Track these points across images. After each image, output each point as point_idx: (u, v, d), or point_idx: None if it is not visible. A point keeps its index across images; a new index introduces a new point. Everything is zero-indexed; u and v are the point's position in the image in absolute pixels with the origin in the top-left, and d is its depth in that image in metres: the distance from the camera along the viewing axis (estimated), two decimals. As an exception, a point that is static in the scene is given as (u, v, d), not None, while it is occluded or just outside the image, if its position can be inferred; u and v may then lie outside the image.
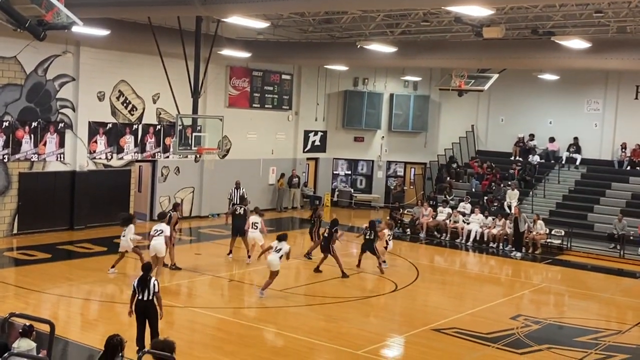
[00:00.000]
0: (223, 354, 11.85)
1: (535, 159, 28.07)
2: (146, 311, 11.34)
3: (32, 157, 20.92)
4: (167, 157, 24.76)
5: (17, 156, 20.53)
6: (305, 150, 30.84)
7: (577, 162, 27.49)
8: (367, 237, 18.59)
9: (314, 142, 31.23)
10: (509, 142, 29.34)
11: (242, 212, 19.15)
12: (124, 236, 16.50)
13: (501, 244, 23.44)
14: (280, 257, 15.30)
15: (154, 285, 11.31)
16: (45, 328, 8.26)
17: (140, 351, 10.95)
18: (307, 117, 30.57)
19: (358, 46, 21.57)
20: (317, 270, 18.07)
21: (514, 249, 22.67)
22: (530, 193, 26.27)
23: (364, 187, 32.26)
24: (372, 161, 32.07)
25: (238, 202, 20.37)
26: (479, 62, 22.34)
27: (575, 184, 26.68)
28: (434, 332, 13.77)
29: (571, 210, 24.92)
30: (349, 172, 32.47)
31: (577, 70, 24.54)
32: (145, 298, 11.31)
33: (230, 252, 19.21)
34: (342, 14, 22.07)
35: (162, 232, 15.99)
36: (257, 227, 18.41)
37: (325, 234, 18.35)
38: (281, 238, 15.52)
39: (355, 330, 13.64)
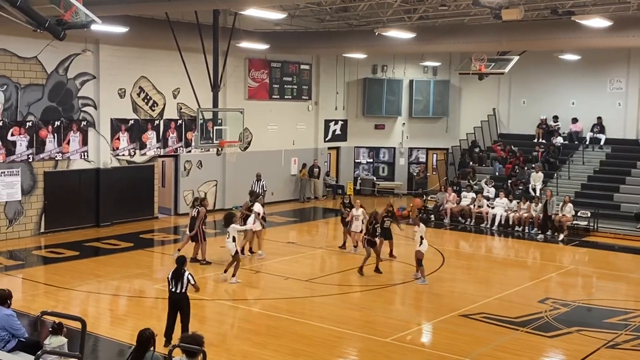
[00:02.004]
0: (253, 346, 11.92)
1: (558, 140, 27.79)
2: (179, 303, 11.50)
3: (56, 156, 21.13)
4: (189, 151, 24.88)
5: (41, 156, 20.75)
6: (326, 139, 30.81)
7: (602, 142, 27.17)
8: (385, 226, 18.15)
9: (334, 131, 31.18)
10: (531, 125, 29.06)
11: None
12: (228, 238, 15.83)
13: (527, 227, 23.28)
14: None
15: (188, 278, 11.45)
16: (77, 325, 8.35)
17: (168, 344, 11.12)
18: (327, 107, 30.52)
19: (376, 33, 21.45)
20: (377, 270, 17.20)
21: (540, 231, 22.48)
22: (555, 175, 26.03)
23: (387, 174, 32.17)
24: (394, 148, 31.96)
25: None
26: (499, 44, 22.12)
27: (600, 164, 26.38)
28: (461, 317, 13.74)
29: (597, 191, 24.65)
30: (371, 160, 32.39)
31: (599, 49, 24.18)
32: (178, 290, 11.46)
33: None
34: (359, 1, 21.98)
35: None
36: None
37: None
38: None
39: (382, 318, 13.65)
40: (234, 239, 15.76)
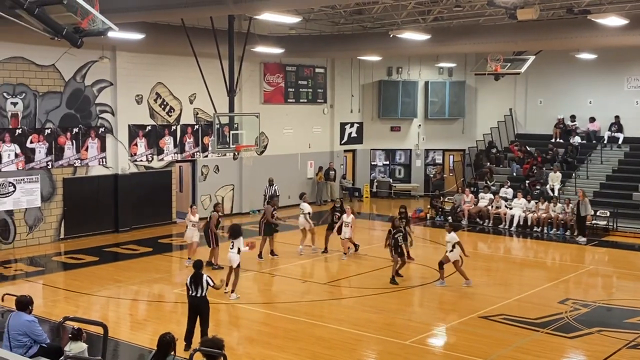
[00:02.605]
0: (272, 349, 11.94)
1: (576, 140, 27.60)
2: (199, 308, 11.56)
3: (75, 163, 21.31)
4: (206, 156, 24.99)
5: (60, 162, 20.93)
6: (342, 142, 30.82)
7: (620, 141, 26.94)
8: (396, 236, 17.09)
9: (350, 134, 31.19)
10: (548, 125, 28.90)
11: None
12: (232, 248, 14.84)
13: (545, 228, 23.14)
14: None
15: (207, 281, 11.51)
16: (98, 330, 8.42)
17: (188, 348, 11.18)
18: (343, 109, 30.54)
19: (391, 35, 21.45)
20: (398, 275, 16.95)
21: (578, 234, 22.18)
22: (573, 175, 25.85)
23: (403, 176, 32.11)
24: (410, 150, 31.90)
25: (268, 201, 20.56)
26: (515, 44, 22.04)
27: (618, 163, 26.17)
28: (481, 319, 13.68)
29: (615, 190, 24.45)
30: (387, 163, 32.35)
31: (615, 47, 24.02)
32: (198, 294, 11.53)
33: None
34: (373, 4, 21.99)
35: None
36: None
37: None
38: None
39: (401, 320, 13.63)
40: (238, 251, 14.76)
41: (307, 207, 19.58)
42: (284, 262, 18.59)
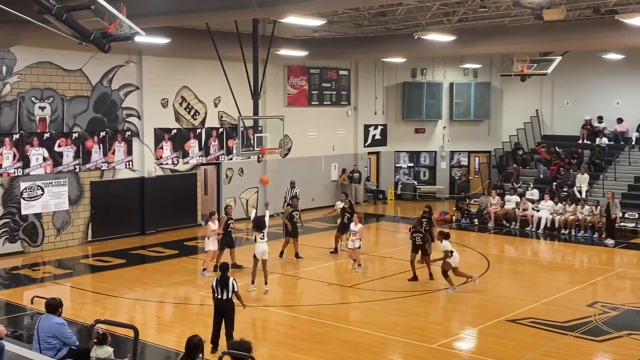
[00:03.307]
0: (298, 352, 11.94)
1: (603, 141, 27.27)
2: (225, 310, 11.61)
3: (102, 166, 21.51)
4: (231, 159, 25.09)
5: (87, 166, 21.14)
6: (366, 144, 30.76)
7: (648, 142, 26.60)
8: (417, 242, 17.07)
9: (374, 136, 31.12)
10: (575, 126, 28.60)
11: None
12: (262, 238, 15.39)
13: (572, 230, 22.89)
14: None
15: (233, 284, 11.56)
16: (126, 332, 8.47)
17: (215, 350, 11.23)
18: (366, 112, 30.48)
19: (415, 37, 21.36)
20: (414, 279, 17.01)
21: (603, 236, 21.88)
22: (601, 176, 25.53)
23: (428, 178, 31.96)
24: (435, 152, 31.75)
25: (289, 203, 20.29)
26: (541, 45, 21.83)
27: (647, 164, 25.83)
28: (508, 322, 13.56)
29: (644, 192, 24.12)
30: (412, 164, 32.23)
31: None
32: (224, 297, 11.58)
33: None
34: (397, 6, 21.91)
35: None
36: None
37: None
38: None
39: (427, 323, 13.56)
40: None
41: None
42: (308, 264, 18.57)
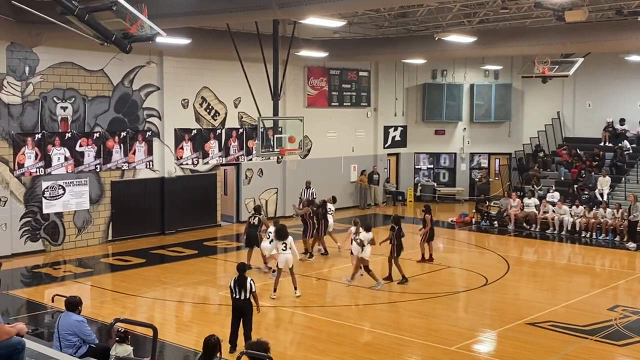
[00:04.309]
0: (316, 353, 11.94)
1: (625, 144, 26.98)
2: (243, 310, 11.65)
3: (122, 166, 21.67)
4: (251, 159, 25.17)
5: (108, 165, 21.31)
6: (386, 146, 30.71)
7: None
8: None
9: (394, 137, 31.05)
10: (597, 128, 28.34)
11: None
12: (284, 250, 15.12)
13: (594, 233, 22.67)
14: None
15: (251, 284, 11.59)
16: (145, 331, 8.52)
17: (233, 350, 11.26)
18: (386, 113, 30.42)
19: (436, 38, 21.29)
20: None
21: (625, 239, 21.67)
22: (623, 179, 25.27)
23: (447, 180, 31.83)
24: (455, 154, 31.61)
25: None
26: (563, 47, 21.65)
27: (670, 167, 25.50)
28: (528, 325, 13.46)
29: (667, 196, 23.79)
30: (431, 166, 32.12)
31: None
32: (242, 297, 11.61)
33: (249, 266, 16.76)
34: (418, 7, 21.85)
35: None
36: (270, 236, 16.55)
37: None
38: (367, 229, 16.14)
39: (446, 326, 13.49)
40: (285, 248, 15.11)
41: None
42: (327, 265, 18.57)
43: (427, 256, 18.84)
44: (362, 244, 15.97)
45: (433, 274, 17.64)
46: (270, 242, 16.51)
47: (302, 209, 19.81)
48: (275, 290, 15.18)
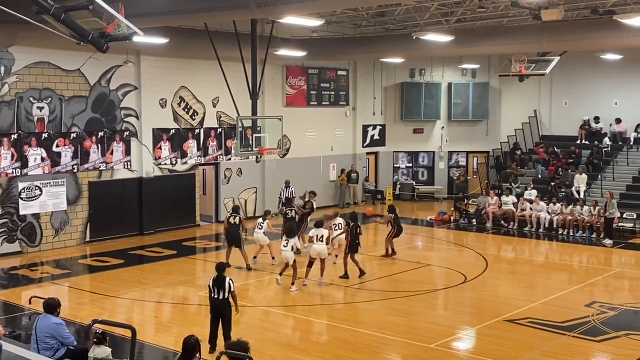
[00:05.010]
0: (296, 352, 11.94)
1: (606, 141, 27.27)
2: (221, 310, 11.59)
3: (100, 167, 21.50)
4: (230, 159, 25.09)
5: (86, 166, 21.13)
6: (365, 145, 30.78)
7: (647, 143, 26.63)
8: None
9: (373, 136, 31.13)
10: (574, 126, 28.64)
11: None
12: (285, 247, 15.90)
13: (571, 231, 22.90)
14: (327, 244, 16.25)
15: (229, 284, 11.54)
16: (124, 333, 8.47)
17: (213, 350, 11.23)
18: (365, 112, 30.50)
19: (414, 37, 21.38)
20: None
21: (602, 236, 21.90)
22: (599, 177, 25.55)
23: (426, 179, 31.98)
24: (433, 152, 31.76)
25: (284, 203, 20.84)
26: (539, 46, 21.84)
27: (645, 165, 25.85)
28: (507, 323, 13.57)
29: (643, 193, 24.14)
30: (410, 165, 32.24)
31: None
32: (220, 297, 11.57)
33: (229, 264, 16.88)
34: (396, 6, 21.93)
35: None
36: (262, 227, 17.91)
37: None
38: (317, 225, 16.31)
39: (426, 324, 13.56)
40: (292, 249, 15.96)
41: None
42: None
43: (389, 252, 19.12)
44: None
45: (412, 272, 17.72)
46: (264, 233, 17.81)
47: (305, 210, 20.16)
48: (307, 277, 16.17)
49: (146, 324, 13.62)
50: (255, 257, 18.27)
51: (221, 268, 11.90)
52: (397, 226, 19.22)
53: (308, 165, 27.63)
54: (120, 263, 18.79)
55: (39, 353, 8.71)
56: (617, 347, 12.27)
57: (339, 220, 18.29)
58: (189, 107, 23.90)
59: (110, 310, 14.46)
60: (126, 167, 22.24)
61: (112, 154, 21.78)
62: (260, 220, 18.26)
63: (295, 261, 15.95)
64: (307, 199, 20.60)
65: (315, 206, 20.67)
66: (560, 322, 13.47)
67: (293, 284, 15.75)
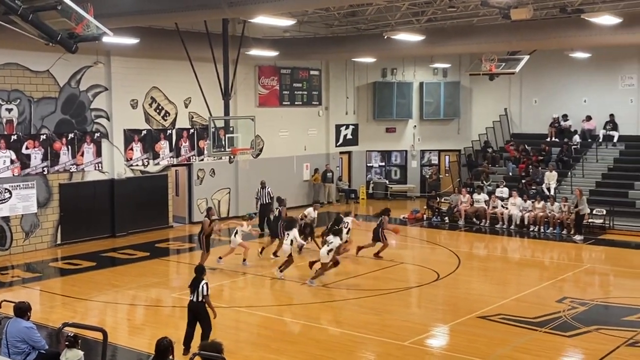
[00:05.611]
0: (271, 352, 11.93)
1: (575, 138, 27.65)
2: (196, 312, 11.53)
3: (70, 168, 21.27)
4: (202, 159, 24.98)
5: (56, 168, 20.89)
6: (338, 144, 30.84)
7: (615, 140, 27.02)
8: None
9: (346, 135, 31.20)
10: (544, 124, 28.98)
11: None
12: (286, 239, 17.01)
13: (542, 227, 23.18)
14: (329, 252, 16.17)
15: (203, 288, 11.45)
16: (97, 335, 8.40)
17: (187, 352, 11.17)
18: (338, 112, 30.56)
19: (385, 37, 21.47)
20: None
21: (572, 232, 22.22)
22: (569, 173, 25.90)
23: (399, 177, 32.15)
24: (406, 151, 31.94)
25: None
26: (509, 44, 22.07)
27: (614, 161, 26.24)
28: (479, 319, 13.69)
29: (611, 189, 24.51)
30: (383, 164, 32.38)
31: (609, 46, 24.07)
32: (194, 299, 11.51)
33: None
34: (367, 5, 21.99)
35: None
36: (240, 230, 18.03)
37: None
38: (335, 233, 16.60)
39: (399, 321, 13.63)
40: (291, 242, 16.73)
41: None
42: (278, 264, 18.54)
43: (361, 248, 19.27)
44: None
45: (386, 270, 17.79)
46: (234, 236, 17.86)
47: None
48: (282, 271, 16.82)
49: (119, 327, 13.52)
50: (220, 258, 18.22)
51: (197, 269, 11.84)
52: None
53: (281, 165, 27.61)
54: (92, 265, 18.60)
55: (10, 357, 8.62)
56: (588, 341, 12.45)
57: (349, 219, 18.82)
58: (160, 107, 23.74)
59: (82, 313, 14.32)
60: (97, 168, 22.02)
61: (82, 155, 21.55)
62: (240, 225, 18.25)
63: (290, 255, 16.73)
64: (304, 219, 19.87)
65: (313, 217, 20.32)
66: (531, 318, 13.63)
67: (281, 270, 16.69)
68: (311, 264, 17.06)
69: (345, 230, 17.97)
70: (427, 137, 31.68)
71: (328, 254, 16.15)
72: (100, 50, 21.05)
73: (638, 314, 13.95)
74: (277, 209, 20.09)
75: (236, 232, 17.94)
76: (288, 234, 16.84)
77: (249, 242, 18.75)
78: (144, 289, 16.28)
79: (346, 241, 18.19)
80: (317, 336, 12.80)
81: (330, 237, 16.45)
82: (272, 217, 21.01)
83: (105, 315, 14.40)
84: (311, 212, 20.28)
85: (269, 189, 22.35)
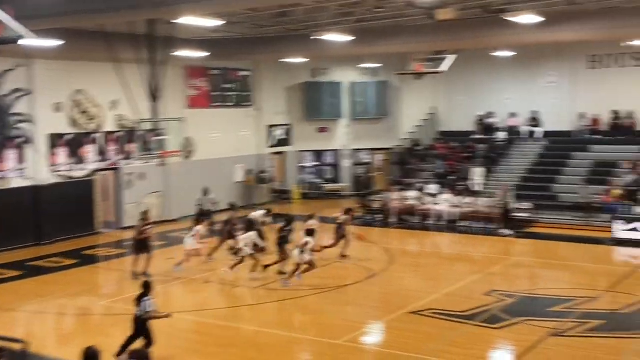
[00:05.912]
0: (205, 356, 11.83)
1: (498, 135, 28.36)
2: (135, 326, 11.23)
3: (-8, 175, 20.57)
4: (131, 163, 24.50)
5: (-23, 175, 20.17)
6: (270, 145, 30.78)
7: (538, 135, 27.86)
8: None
9: (278, 136, 31.17)
10: (470, 121, 29.64)
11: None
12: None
13: (471, 222, 23.66)
14: (303, 252, 16.26)
15: (147, 305, 11.16)
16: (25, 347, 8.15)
17: (120, 354, 10.93)
18: (269, 112, 30.49)
19: (312, 37, 21.52)
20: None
21: (499, 227, 22.79)
22: (495, 169, 26.55)
23: (332, 177, 32.32)
24: (338, 151, 32.13)
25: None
26: (435, 44, 22.43)
27: (537, 157, 27.04)
28: (411, 315, 13.89)
29: (536, 183, 25.27)
30: (316, 164, 32.49)
31: (531, 45, 24.79)
32: (137, 314, 11.22)
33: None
34: (295, 6, 21.98)
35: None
36: (193, 234, 18.12)
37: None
38: (308, 233, 16.66)
39: (333, 320, 13.71)
40: (249, 245, 16.86)
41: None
42: (214, 267, 18.38)
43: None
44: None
45: (320, 269, 17.80)
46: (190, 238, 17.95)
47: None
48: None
49: (47, 337, 13.15)
50: (179, 264, 17.91)
51: (144, 285, 11.53)
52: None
53: (213, 166, 27.34)
54: (17, 275, 18.01)
55: None
56: (516, 333, 12.80)
57: (313, 221, 18.54)
58: (85, 110, 23.17)
59: (8, 325, 13.82)
60: (20, 175, 21.33)
61: (4, 162, 20.83)
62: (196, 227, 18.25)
63: (252, 255, 16.69)
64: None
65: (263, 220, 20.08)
66: (462, 312, 13.91)
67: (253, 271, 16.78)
68: (266, 267, 16.96)
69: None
70: (358, 136, 31.93)
71: (303, 254, 16.14)
72: (22, 52, 20.37)
73: (563, 304, 14.41)
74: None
75: (193, 234, 17.78)
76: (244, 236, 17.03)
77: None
78: (72, 297, 15.87)
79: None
80: (253, 338, 12.74)
81: (306, 238, 16.36)
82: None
83: (32, 327, 13.99)
84: (260, 216, 19.73)
85: (212, 196, 22.03)
